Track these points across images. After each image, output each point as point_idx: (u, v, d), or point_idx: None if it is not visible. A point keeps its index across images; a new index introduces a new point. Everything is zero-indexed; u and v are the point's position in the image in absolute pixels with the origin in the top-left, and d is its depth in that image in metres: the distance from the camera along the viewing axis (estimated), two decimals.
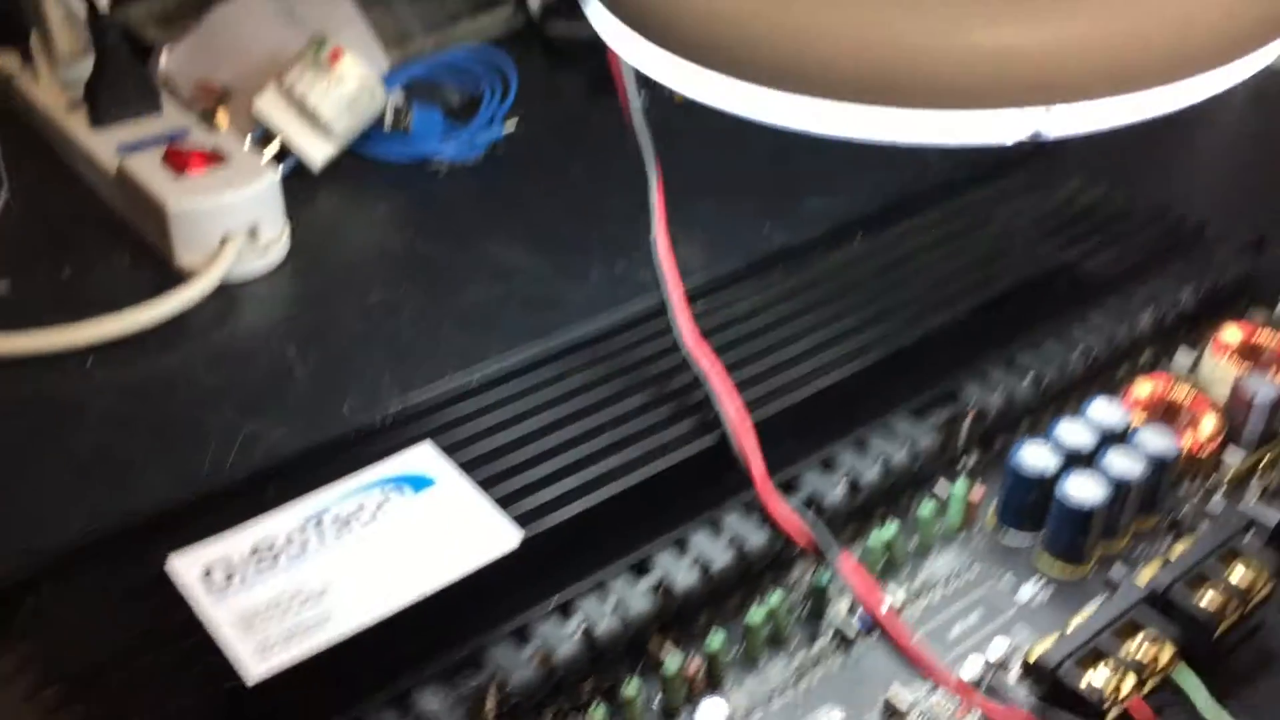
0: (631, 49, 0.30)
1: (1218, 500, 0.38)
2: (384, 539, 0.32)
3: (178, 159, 0.48)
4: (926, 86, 0.26)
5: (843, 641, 0.34)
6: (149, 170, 0.48)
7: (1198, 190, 0.53)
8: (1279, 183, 0.55)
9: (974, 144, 0.27)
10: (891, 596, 0.35)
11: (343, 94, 0.52)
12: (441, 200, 0.54)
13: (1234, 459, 0.39)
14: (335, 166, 0.54)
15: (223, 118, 0.54)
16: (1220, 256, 0.45)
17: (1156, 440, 0.36)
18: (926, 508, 0.36)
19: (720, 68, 0.28)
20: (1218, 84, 0.27)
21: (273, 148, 0.52)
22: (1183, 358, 0.43)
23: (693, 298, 0.42)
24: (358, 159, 0.55)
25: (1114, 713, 0.31)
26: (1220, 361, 0.41)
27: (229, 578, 0.31)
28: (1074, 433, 0.37)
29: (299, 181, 0.53)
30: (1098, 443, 0.37)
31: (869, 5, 0.27)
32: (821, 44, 0.27)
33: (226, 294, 0.47)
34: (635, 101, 0.36)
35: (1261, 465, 0.39)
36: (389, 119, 0.55)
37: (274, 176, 0.49)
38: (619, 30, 0.30)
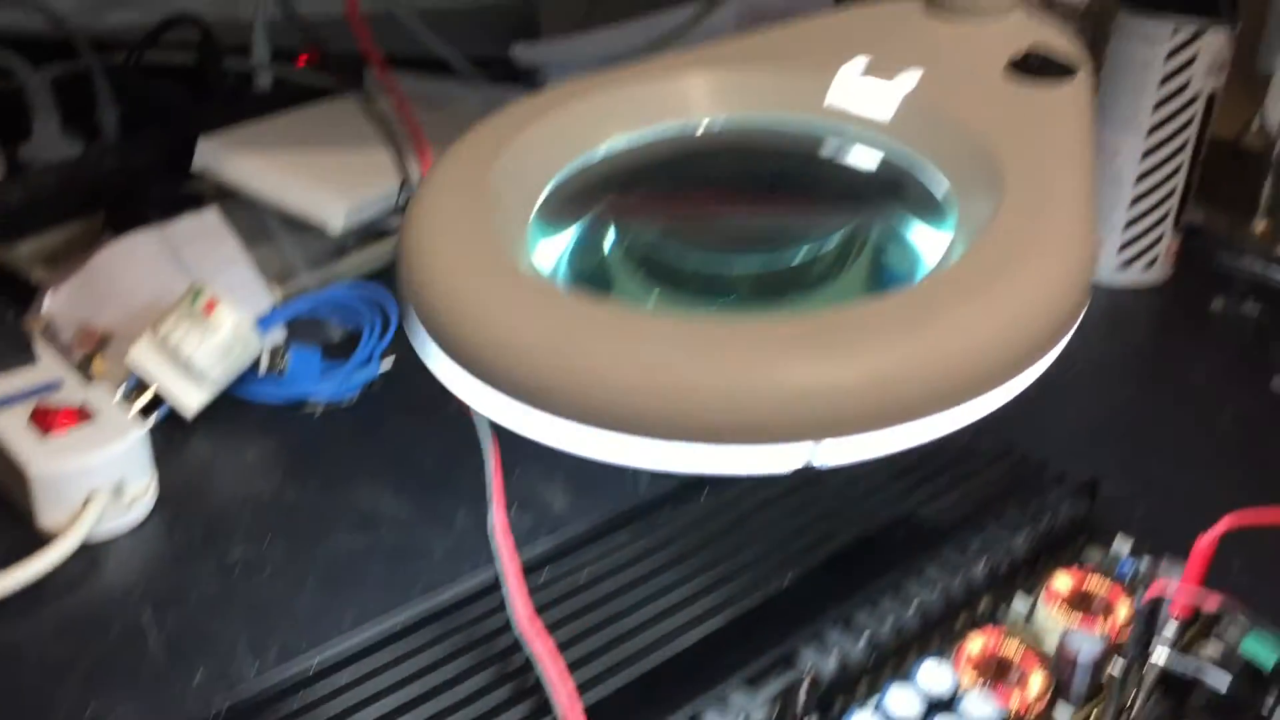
0: (438, 365, 0.32)
1: None
2: None
3: (44, 418, 0.49)
4: (701, 423, 0.28)
5: None
6: (13, 430, 0.49)
7: (1042, 424, 0.55)
8: (1117, 417, 0.58)
9: (749, 474, 0.29)
10: None
11: (217, 343, 0.54)
12: (313, 442, 0.55)
13: (1064, 716, 0.40)
14: (210, 409, 0.55)
15: (100, 365, 0.55)
16: (1053, 499, 0.47)
17: (981, 707, 0.38)
18: None
19: (509, 392, 0.30)
20: (979, 411, 0.30)
21: (145, 398, 0.53)
22: (1020, 604, 0.44)
23: (540, 564, 0.43)
24: (233, 401, 0.56)
25: None
26: (1051, 611, 0.43)
27: None
28: (902, 702, 0.38)
29: (171, 427, 0.53)
30: (924, 712, 0.38)
31: (645, 343, 0.29)
32: (603, 378, 0.29)
33: (88, 553, 0.47)
34: None
35: None
36: (265, 362, 0.56)
37: (141, 432, 0.49)
38: (427, 345, 0.32)
